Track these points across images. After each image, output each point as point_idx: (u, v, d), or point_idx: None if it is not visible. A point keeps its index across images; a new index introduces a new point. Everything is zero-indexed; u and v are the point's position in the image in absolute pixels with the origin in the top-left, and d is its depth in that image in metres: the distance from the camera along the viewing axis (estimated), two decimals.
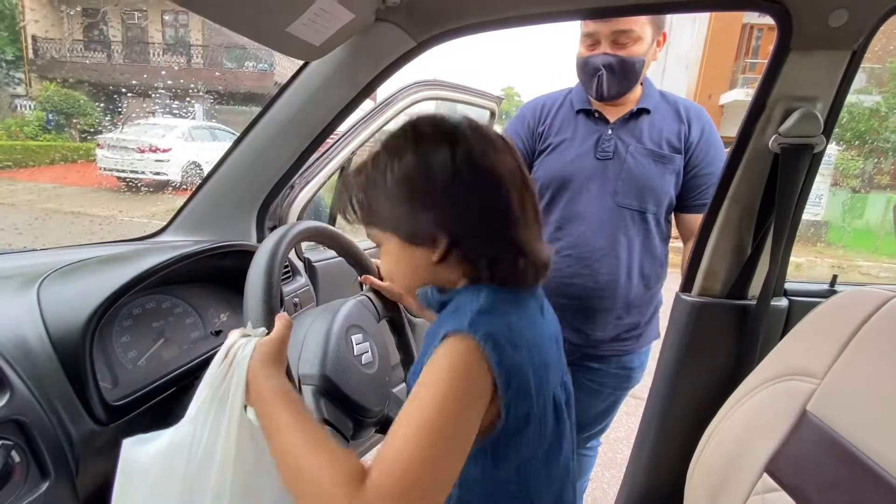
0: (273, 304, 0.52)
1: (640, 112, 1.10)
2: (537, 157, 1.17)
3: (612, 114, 1.11)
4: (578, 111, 1.13)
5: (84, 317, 0.56)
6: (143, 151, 6.74)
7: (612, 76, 1.04)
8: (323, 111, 0.94)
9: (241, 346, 0.49)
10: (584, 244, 1.09)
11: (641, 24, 1.01)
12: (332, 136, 1.11)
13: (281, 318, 0.53)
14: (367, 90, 0.90)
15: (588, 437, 1.34)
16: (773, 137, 0.81)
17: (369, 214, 0.55)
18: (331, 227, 0.78)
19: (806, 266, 6.09)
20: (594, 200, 1.09)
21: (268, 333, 0.51)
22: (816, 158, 0.83)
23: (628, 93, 1.08)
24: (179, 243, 0.86)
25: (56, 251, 0.82)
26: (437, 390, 0.43)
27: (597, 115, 1.12)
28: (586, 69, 1.06)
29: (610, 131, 1.09)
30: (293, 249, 1.21)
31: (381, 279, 0.84)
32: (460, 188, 0.50)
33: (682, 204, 1.12)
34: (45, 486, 0.48)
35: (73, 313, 0.56)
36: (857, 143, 7.52)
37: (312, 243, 1.46)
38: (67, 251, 0.81)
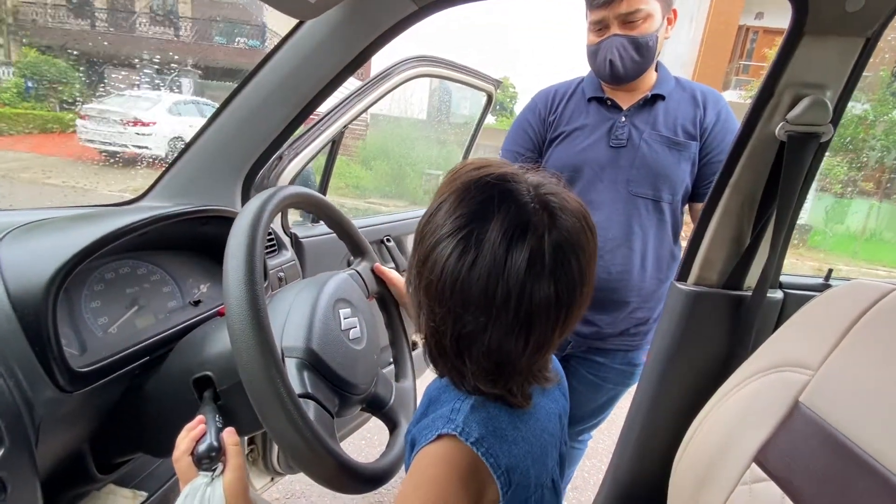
0: (255, 267, 0.48)
1: (655, 98, 1.06)
2: (549, 146, 1.14)
3: (626, 101, 1.08)
4: (590, 99, 1.10)
5: (47, 275, 0.51)
6: (126, 124, 6.52)
7: (625, 56, 1.00)
8: (315, 77, 0.89)
9: (209, 494, 0.48)
10: (597, 234, 1.07)
11: (649, 2, 0.97)
12: (315, 114, 1.07)
13: (231, 447, 0.51)
14: (364, 56, 0.86)
15: (581, 430, 1.32)
16: (781, 125, 0.79)
17: (415, 244, 0.48)
18: (323, 197, 0.74)
19: (787, 268, 6.21)
20: (607, 189, 1.06)
21: (221, 462, 0.50)
22: (822, 148, 0.81)
23: (644, 73, 1.05)
24: (158, 207, 0.81)
25: (22, 212, 0.76)
26: (429, 500, 0.43)
27: (609, 102, 1.08)
28: (599, 54, 1.02)
29: (623, 118, 1.06)
30: (280, 222, 1.17)
31: (385, 264, 0.81)
32: (501, 305, 0.42)
33: (695, 192, 1.09)
34: None
35: (36, 271, 0.52)
36: (843, 148, 7.65)
37: (300, 219, 1.42)
38: (35, 212, 0.75)
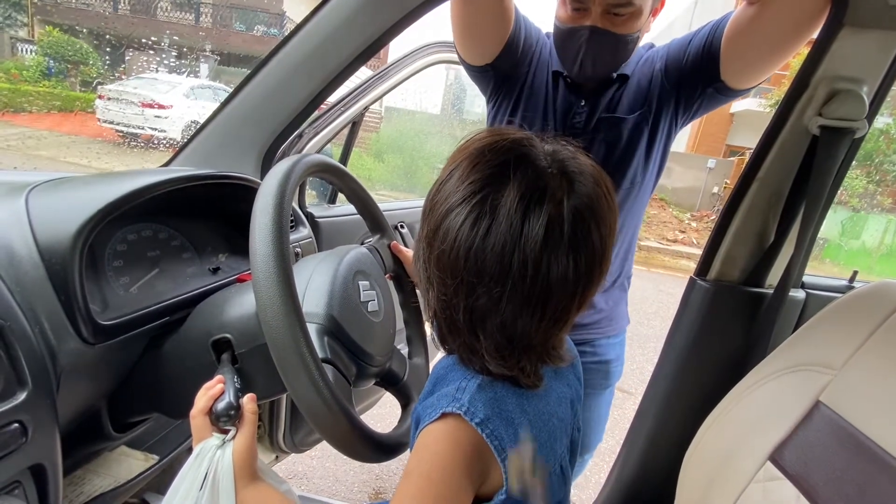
0: (283, 226, 0.48)
1: (620, 78, 0.93)
2: (504, 98, 0.98)
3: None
4: (553, 72, 0.95)
5: (75, 226, 0.51)
6: (145, 106, 6.60)
7: (598, 56, 0.85)
8: (343, 52, 0.89)
9: (218, 457, 0.48)
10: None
11: None
12: (326, 103, 1.05)
13: (248, 414, 0.51)
14: (393, 31, 0.85)
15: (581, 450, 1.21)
16: (814, 118, 0.78)
17: (423, 217, 0.47)
18: (347, 170, 0.74)
19: None
20: None
21: (235, 426, 0.50)
22: (856, 144, 0.79)
23: (614, 72, 0.91)
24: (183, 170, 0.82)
25: (48, 173, 0.77)
26: (430, 478, 0.42)
27: (570, 80, 0.94)
28: (570, 42, 0.86)
29: (583, 102, 0.93)
30: (297, 200, 1.17)
31: (397, 242, 0.80)
32: (519, 278, 0.41)
33: (702, 52, 0.85)
34: (22, 396, 0.45)
35: (64, 222, 0.52)
36: (864, 160, 7.51)
37: (316, 201, 1.42)
38: (61, 173, 0.76)
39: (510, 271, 0.40)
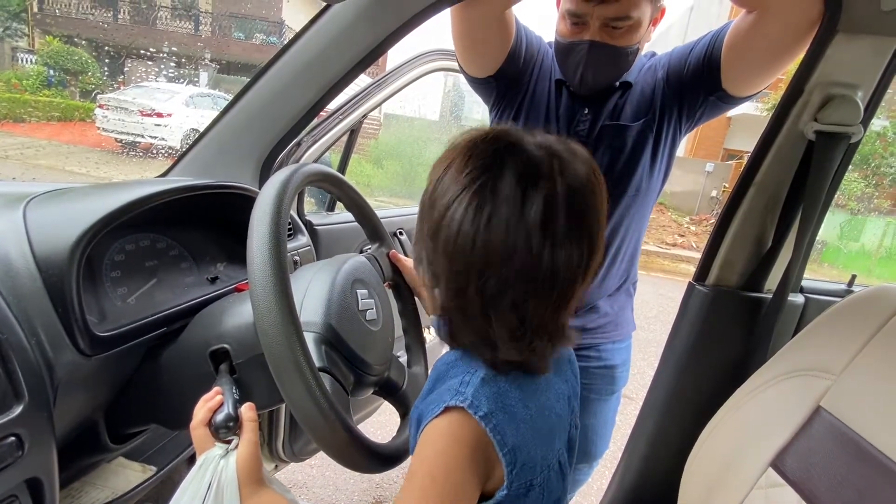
0: (280, 235, 0.48)
1: (622, 86, 0.93)
2: (507, 108, 0.99)
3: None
4: (556, 81, 0.96)
5: (73, 238, 0.51)
6: (144, 115, 6.63)
7: (598, 69, 0.87)
8: (341, 61, 0.89)
9: (222, 466, 0.48)
10: None
11: (640, 7, 0.82)
12: (326, 111, 1.06)
13: (248, 422, 0.51)
14: (390, 41, 0.86)
15: (581, 463, 1.18)
16: (809, 123, 0.78)
17: (422, 217, 0.48)
18: (345, 178, 0.74)
19: None
20: None
21: (236, 434, 0.51)
22: (851, 149, 0.80)
23: (614, 82, 0.93)
24: (181, 181, 0.82)
25: (46, 184, 0.77)
26: (434, 477, 0.42)
27: (572, 88, 0.95)
28: (571, 57, 0.88)
29: (587, 110, 0.94)
30: (296, 208, 1.17)
31: (396, 251, 0.81)
32: (525, 271, 0.42)
33: (705, 62, 0.86)
34: (18, 409, 0.45)
35: (61, 234, 0.52)
36: (861, 163, 7.54)
37: (315, 209, 1.43)
38: (58, 184, 0.76)
39: (515, 251, 0.42)
